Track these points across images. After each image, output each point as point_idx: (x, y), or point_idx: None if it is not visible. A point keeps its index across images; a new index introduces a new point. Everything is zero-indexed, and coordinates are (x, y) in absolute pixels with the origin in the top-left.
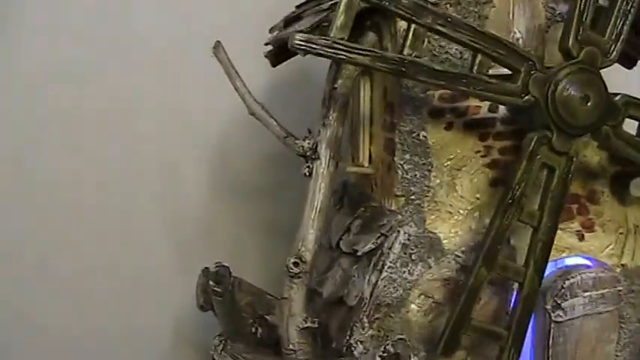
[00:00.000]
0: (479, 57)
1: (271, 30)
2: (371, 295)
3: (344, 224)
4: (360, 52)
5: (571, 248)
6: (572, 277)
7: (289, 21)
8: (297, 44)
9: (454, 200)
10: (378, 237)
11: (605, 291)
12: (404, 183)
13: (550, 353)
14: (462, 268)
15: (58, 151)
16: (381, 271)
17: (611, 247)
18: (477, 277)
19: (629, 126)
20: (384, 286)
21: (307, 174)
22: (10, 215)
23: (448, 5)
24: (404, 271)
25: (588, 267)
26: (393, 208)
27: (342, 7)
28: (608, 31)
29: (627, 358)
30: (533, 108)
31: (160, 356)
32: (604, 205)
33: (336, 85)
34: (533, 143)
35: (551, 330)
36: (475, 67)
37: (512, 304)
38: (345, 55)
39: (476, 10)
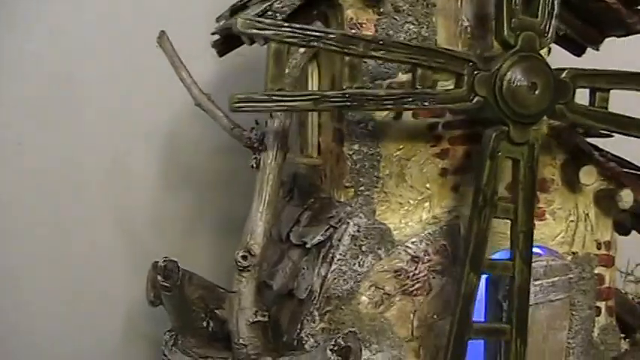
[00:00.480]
0: (419, 71)
1: (218, 19)
2: (321, 288)
3: (294, 216)
4: (301, 98)
5: None
6: None
7: (235, 10)
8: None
9: (404, 190)
10: (327, 229)
11: (556, 279)
12: (353, 174)
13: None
14: (413, 259)
15: None
16: (330, 264)
17: (561, 235)
18: (467, 284)
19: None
20: (334, 279)
21: (254, 166)
22: None
23: None
24: (354, 263)
25: (539, 255)
26: (342, 199)
27: (270, 61)
28: (540, 10)
29: (579, 344)
30: (484, 107)
31: (111, 352)
32: (554, 194)
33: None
34: (492, 141)
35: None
36: (417, 82)
37: (505, 298)
38: (286, 106)
39: None
